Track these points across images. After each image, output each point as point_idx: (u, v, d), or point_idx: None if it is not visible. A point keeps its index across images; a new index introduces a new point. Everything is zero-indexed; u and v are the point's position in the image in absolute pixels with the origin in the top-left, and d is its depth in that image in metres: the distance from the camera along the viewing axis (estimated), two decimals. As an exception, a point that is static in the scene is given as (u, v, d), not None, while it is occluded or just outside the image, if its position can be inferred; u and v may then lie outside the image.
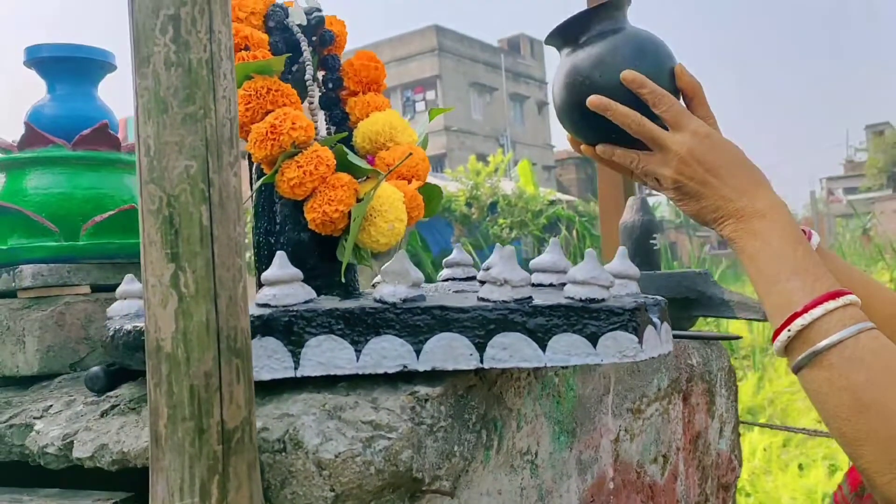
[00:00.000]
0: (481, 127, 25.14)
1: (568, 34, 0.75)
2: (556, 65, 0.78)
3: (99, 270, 0.94)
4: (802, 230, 0.79)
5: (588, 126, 0.75)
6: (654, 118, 0.71)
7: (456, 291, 0.81)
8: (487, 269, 0.80)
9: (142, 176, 0.54)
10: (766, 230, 0.67)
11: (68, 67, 1.04)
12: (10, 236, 0.93)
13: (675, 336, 0.76)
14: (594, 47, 0.73)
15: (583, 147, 0.79)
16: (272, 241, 0.79)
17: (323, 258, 0.79)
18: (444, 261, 0.91)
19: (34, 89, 1.09)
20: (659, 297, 0.64)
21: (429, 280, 0.94)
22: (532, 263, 0.74)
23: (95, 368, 0.75)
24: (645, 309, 0.61)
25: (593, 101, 0.71)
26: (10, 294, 0.91)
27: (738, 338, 1.39)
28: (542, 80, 28.75)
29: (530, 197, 13.60)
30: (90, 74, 1.06)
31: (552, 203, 13.75)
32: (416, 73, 24.10)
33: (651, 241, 1.29)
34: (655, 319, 0.62)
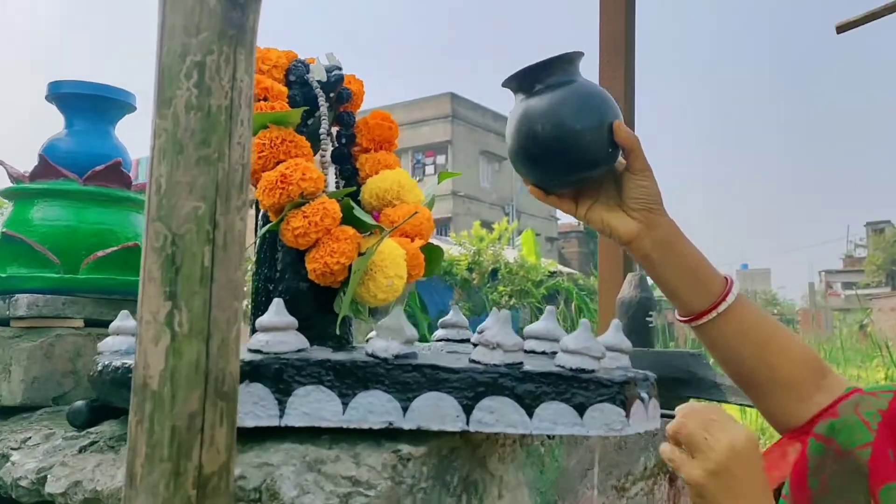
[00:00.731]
0: (488, 195, 25.41)
1: (523, 83, 0.79)
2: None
3: (95, 305, 0.94)
4: (725, 278, 0.81)
5: (532, 171, 0.80)
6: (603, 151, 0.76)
7: (449, 352, 0.81)
8: (482, 331, 0.81)
9: (149, 213, 0.55)
10: None
11: (88, 105, 1.06)
12: (10, 265, 0.94)
13: (663, 415, 0.76)
14: (544, 98, 0.77)
15: (530, 188, 0.82)
16: (271, 288, 0.80)
17: (320, 309, 0.79)
18: (439, 321, 0.91)
19: (51, 123, 1.12)
20: (649, 373, 0.64)
21: (423, 342, 0.94)
22: (526, 330, 0.74)
23: (79, 403, 0.74)
24: (634, 383, 0.61)
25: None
26: (4, 322, 0.91)
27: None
28: (550, 153, 29.09)
29: (531, 266, 13.63)
30: (109, 113, 1.08)
31: (553, 274, 13.77)
32: (429, 137, 24.50)
33: (647, 319, 1.29)
34: (644, 394, 0.62)
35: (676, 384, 1.13)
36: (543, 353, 0.72)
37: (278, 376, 0.63)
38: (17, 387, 0.86)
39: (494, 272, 13.80)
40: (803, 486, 0.74)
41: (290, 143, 0.77)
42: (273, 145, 0.77)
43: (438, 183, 0.93)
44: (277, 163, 0.77)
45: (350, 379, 0.63)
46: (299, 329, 0.78)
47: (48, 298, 0.90)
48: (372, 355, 0.64)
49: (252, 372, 0.63)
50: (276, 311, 0.66)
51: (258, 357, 0.64)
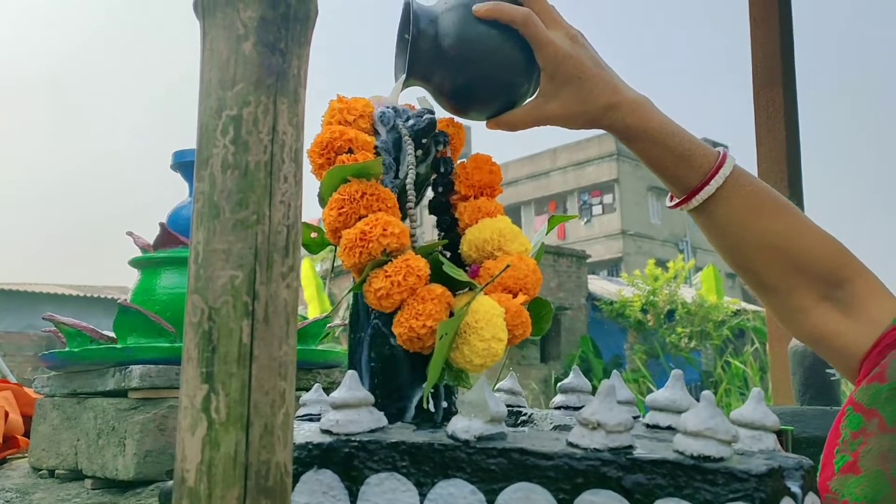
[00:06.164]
0: (659, 231, 24.39)
1: (420, 74, 0.77)
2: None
3: (208, 374, 0.93)
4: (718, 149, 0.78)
5: (486, 103, 0.79)
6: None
7: (557, 427, 0.70)
8: (565, 391, 0.70)
9: (189, 285, 0.50)
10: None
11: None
12: (129, 335, 0.95)
13: None
14: (445, 75, 0.76)
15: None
16: (362, 354, 0.73)
17: (415, 377, 0.71)
18: (558, 385, 0.80)
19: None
20: (804, 459, 0.49)
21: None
22: (648, 400, 0.62)
23: (170, 483, 0.71)
24: (781, 474, 0.47)
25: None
26: (122, 393, 0.91)
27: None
28: (726, 184, 27.58)
29: (712, 306, 12.80)
30: (229, 179, 1.09)
31: (736, 313, 12.83)
32: (594, 177, 24.08)
33: (828, 371, 1.08)
34: (795, 489, 0.47)
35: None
36: (669, 428, 0.59)
37: (348, 462, 0.56)
38: (131, 461, 0.85)
39: (671, 313, 13.09)
40: (829, 462, 0.64)
41: (371, 197, 0.71)
42: (353, 200, 0.71)
43: (549, 230, 0.83)
44: (359, 219, 0.71)
45: (428, 465, 0.54)
46: (393, 401, 0.70)
47: (161, 368, 0.90)
48: (452, 437, 0.55)
49: (321, 456, 0.56)
50: (349, 386, 0.59)
51: (328, 439, 0.57)
